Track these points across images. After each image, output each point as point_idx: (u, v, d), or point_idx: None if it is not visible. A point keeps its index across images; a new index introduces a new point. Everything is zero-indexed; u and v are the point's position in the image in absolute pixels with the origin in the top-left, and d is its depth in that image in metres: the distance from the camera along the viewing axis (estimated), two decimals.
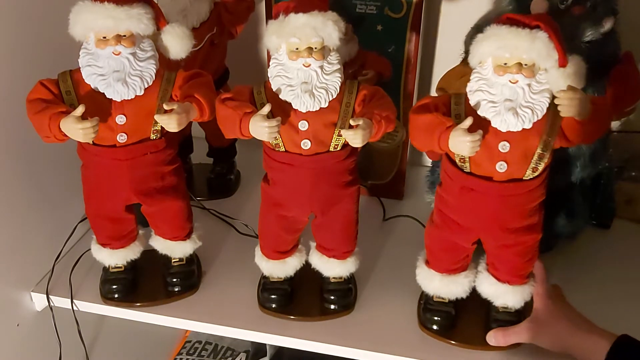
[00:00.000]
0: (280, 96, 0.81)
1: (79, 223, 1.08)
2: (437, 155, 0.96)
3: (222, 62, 1.15)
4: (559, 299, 0.89)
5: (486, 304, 0.92)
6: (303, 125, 0.82)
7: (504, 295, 0.89)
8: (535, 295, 0.88)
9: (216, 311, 0.96)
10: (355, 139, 0.78)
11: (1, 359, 0.98)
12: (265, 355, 1.50)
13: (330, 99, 0.81)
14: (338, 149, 0.84)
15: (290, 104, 0.81)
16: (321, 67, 0.79)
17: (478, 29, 0.95)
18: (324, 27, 0.78)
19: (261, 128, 0.78)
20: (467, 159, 0.80)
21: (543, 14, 0.79)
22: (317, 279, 0.97)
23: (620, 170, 1.14)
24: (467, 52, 1.00)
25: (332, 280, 0.96)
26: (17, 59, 0.95)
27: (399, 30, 1.08)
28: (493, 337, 0.88)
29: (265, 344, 1.48)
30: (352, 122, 0.79)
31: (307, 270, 0.97)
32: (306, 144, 0.83)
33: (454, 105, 0.81)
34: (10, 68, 0.93)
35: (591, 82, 0.77)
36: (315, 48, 0.78)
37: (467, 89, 0.79)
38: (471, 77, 0.79)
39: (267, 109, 0.79)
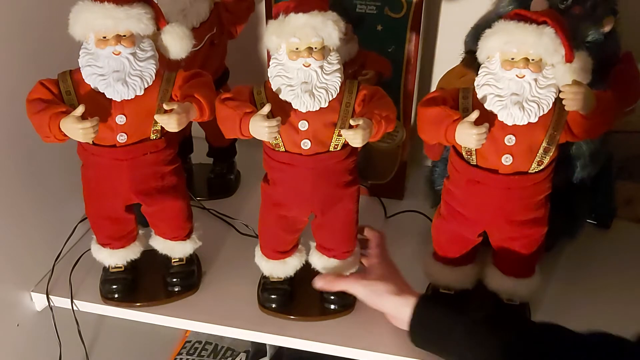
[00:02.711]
0: (280, 96, 0.81)
1: (79, 223, 1.08)
2: (438, 155, 0.97)
3: (222, 62, 1.15)
4: (390, 263, 0.94)
5: (491, 295, 0.93)
6: (303, 125, 0.82)
7: (509, 288, 0.90)
8: (370, 256, 0.94)
9: (216, 311, 0.96)
10: (355, 138, 0.78)
11: (1, 359, 0.98)
12: (265, 355, 1.50)
13: (330, 98, 0.81)
14: (338, 149, 0.84)
15: (290, 104, 0.81)
16: (321, 67, 0.79)
17: (478, 29, 0.96)
18: (324, 27, 0.78)
19: (261, 128, 0.78)
20: (474, 152, 0.82)
21: (551, 11, 0.80)
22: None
23: (620, 170, 1.14)
24: (466, 53, 1.00)
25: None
26: (17, 59, 0.95)
27: (399, 30, 1.08)
28: (321, 280, 0.92)
29: (265, 344, 1.48)
30: (352, 122, 0.79)
31: (307, 270, 0.97)
32: (306, 144, 0.83)
33: (462, 99, 0.82)
34: (10, 68, 0.93)
35: (591, 82, 0.77)
36: (315, 48, 0.78)
37: (475, 83, 0.80)
38: (479, 72, 0.80)
39: (267, 109, 0.79)
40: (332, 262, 0.94)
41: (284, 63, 0.80)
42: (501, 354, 0.79)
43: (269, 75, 0.82)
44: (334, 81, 0.80)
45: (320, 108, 0.81)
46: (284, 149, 0.84)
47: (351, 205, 0.90)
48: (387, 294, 0.88)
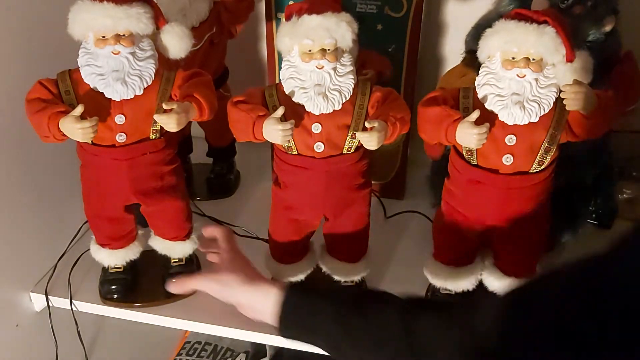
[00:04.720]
0: (293, 99, 0.80)
1: (84, 223, 1.07)
2: (437, 155, 0.96)
3: (221, 62, 1.14)
4: (240, 255, 0.92)
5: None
6: (316, 128, 0.81)
7: (509, 288, 0.90)
8: (221, 250, 0.92)
9: (216, 311, 0.95)
10: (370, 141, 0.77)
11: (0, 359, 0.98)
12: (265, 356, 1.50)
13: (344, 100, 0.80)
14: (351, 151, 0.83)
15: (303, 106, 0.80)
16: (334, 69, 0.79)
17: (478, 28, 0.96)
18: (338, 29, 0.78)
19: (275, 131, 0.77)
20: (474, 152, 0.81)
21: (551, 10, 0.80)
22: (328, 283, 0.96)
23: (621, 170, 1.14)
24: (467, 52, 1.00)
25: (344, 284, 0.95)
26: (16, 58, 0.94)
27: (399, 30, 1.07)
28: (174, 285, 0.92)
29: (265, 345, 1.48)
30: (367, 125, 0.78)
31: (318, 274, 0.96)
32: (319, 147, 0.82)
33: (463, 99, 0.82)
34: (10, 68, 0.93)
35: (592, 81, 0.77)
36: (329, 50, 0.78)
37: (475, 83, 0.80)
38: (480, 71, 0.80)
39: (280, 111, 0.78)
40: (344, 265, 0.94)
41: (297, 65, 0.79)
42: (366, 330, 0.78)
43: (281, 77, 0.81)
44: (348, 83, 0.80)
45: (334, 110, 0.80)
46: (296, 152, 0.83)
47: (363, 208, 0.89)
48: (238, 284, 0.87)
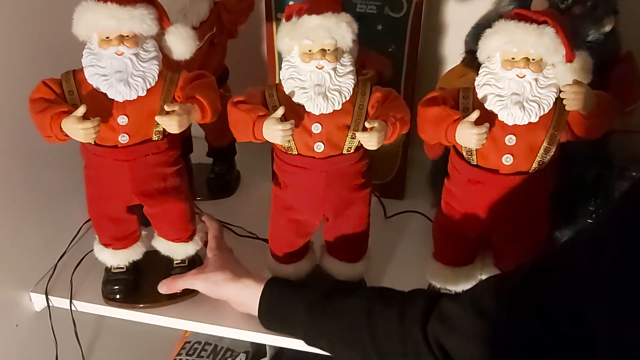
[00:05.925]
0: (293, 99, 0.80)
1: (84, 223, 1.08)
2: (436, 154, 0.97)
3: (221, 62, 1.14)
4: (227, 252, 0.98)
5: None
6: (316, 128, 0.81)
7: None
8: (208, 248, 0.97)
9: (216, 311, 0.96)
10: (370, 141, 0.77)
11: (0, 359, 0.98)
12: (265, 356, 1.50)
13: (344, 100, 0.80)
14: (351, 151, 0.83)
15: (303, 106, 0.80)
16: (334, 69, 0.79)
17: (478, 28, 0.96)
18: (338, 29, 0.78)
19: (275, 131, 0.77)
20: (474, 152, 0.81)
21: (551, 10, 0.80)
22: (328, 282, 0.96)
23: (621, 170, 1.14)
24: (467, 52, 1.01)
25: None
26: (21, 58, 0.94)
27: (399, 30, 1.07)
28: (164, 285, 0.95)
29: (265, 345, 1.48)
30: (367, 125, 0.78)
31: (318, 273, 0.96)
32: (319, 147, 0.82)
33: (462, 99, 0.82)
34: (14, 67, 0.93)
35: (592, 82, 0.77)
36: (329, 50, 0.78)
37: (475, 83, 0.80)
38: (479, 71, 0.80)
39: (280, 112, 0.78)
40: (344, 265, 0.94)
41: (297, 65, 0.79)
42: (332, 320, 0.82)
43: (281, 77, 0.81)
44: (348, 83, 0.80)
45: (334, 110, 0.80)
46: (296, 152, 0.83)
47: (363, 209, 0.90)
48: (225, 282, 0.91)
